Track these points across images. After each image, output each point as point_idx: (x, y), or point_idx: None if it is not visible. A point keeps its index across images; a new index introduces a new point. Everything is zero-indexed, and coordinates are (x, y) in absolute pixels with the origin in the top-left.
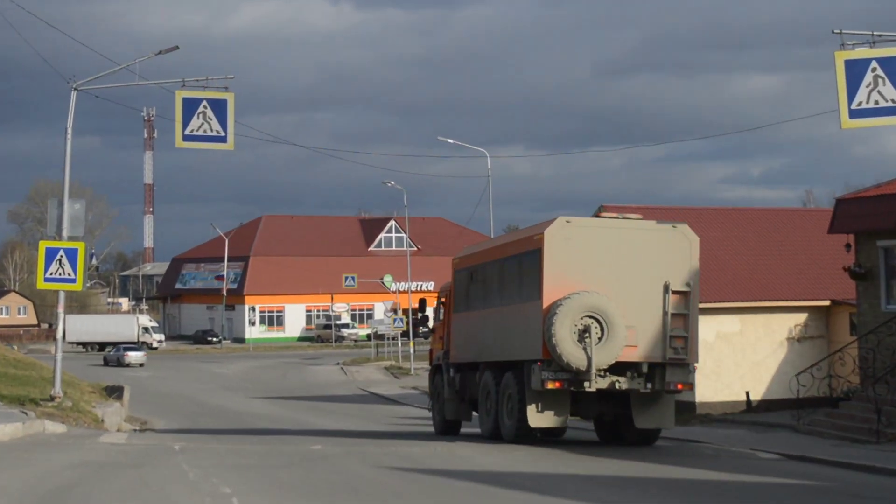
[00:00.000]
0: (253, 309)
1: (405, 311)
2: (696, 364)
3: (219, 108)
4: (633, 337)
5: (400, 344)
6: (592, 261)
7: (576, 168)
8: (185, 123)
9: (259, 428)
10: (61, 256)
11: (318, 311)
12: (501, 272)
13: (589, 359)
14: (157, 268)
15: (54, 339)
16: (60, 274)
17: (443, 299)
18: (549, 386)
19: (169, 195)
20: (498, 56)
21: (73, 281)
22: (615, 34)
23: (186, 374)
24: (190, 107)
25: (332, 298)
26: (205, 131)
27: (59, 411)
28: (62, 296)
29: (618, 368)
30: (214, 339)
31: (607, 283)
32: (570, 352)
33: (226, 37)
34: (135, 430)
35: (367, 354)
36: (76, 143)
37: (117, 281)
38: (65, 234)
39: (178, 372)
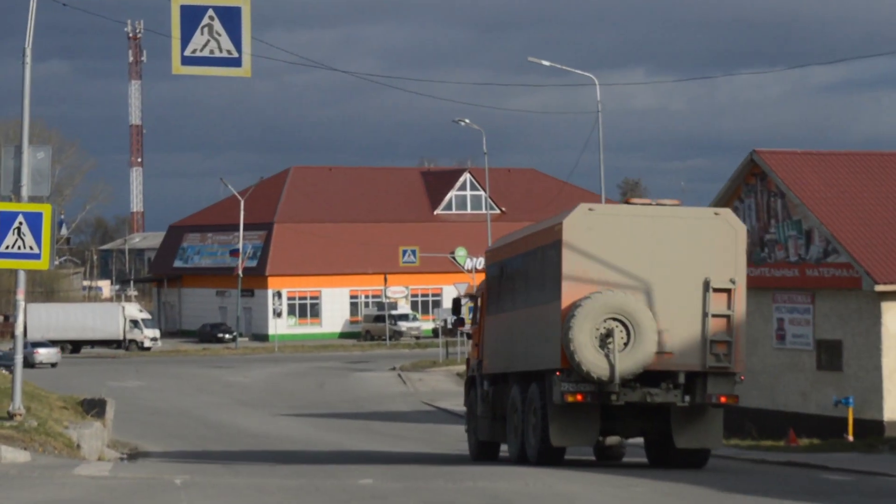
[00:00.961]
0: (278, 294)
1: None
2: (742, 375)
3: (230, 19)
4: (668, 342)
5: None
6: (619, 254)
7: (718, 99)
8: (185, 41)
9: (287, 453)
10: (20, 224)
11: (367, 297)
12: (525, 268)
13: (612, 367)
14: (149, 239)
15: (12, 335)
16: (20, 248)
17: (479, 299)
18: (570, 399)
19: (163, 141)
20: None
21: (38, 257)
22: None
23: (189, 383)
24: (191, 18)
25: (385, 280)
26: (211, 51)
27: (19, 433)
28: (22, 277)
29: (651, 378)
30: (227, 337)
31: (636, 280)
32: (591, 359)
33: None
34: (122, 459)
35: (432, 356)
36: (38, 70)
37: (95, 257)
38: (24, 193)
39: (179, 380)
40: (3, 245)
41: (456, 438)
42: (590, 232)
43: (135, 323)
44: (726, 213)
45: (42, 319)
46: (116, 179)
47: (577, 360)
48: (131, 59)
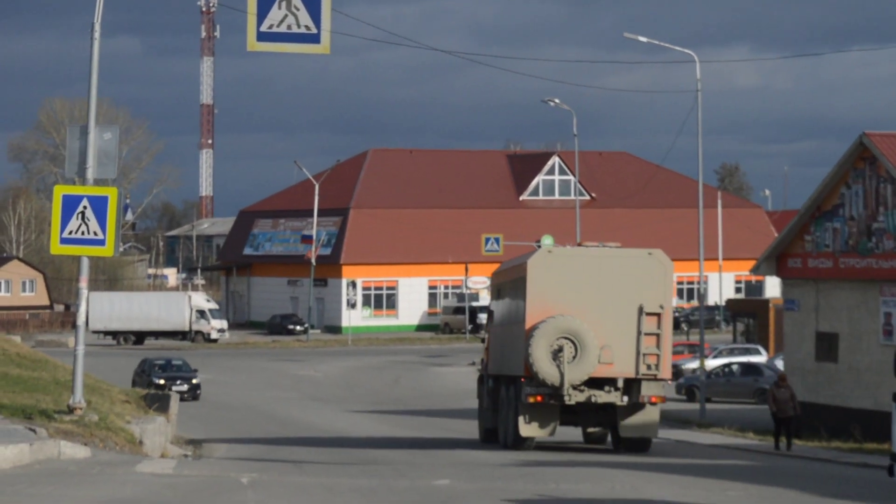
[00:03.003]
0: (353, 284)
1: None
2: (669, 380)
3: None
4: (609, 355)
5: None
6: (572, 287)
7: (827, 78)
8: (262, 16)
9: (359, 452)
10: (85, 208)
11: (447, 287)
12: (508, 292)
13: (562, 375)
14: (219, 225)
15: (73, 326)
16: (84, 233)
17: (489, 308)
18: (531, 400)
19: (235, 122)
20: None
21: (102, 243)
22: None
23: (258, 377)
24: None
25: (466, 270)
26: (289, 27)
27: (80, 428)
28: (85, 265)
29: (597, 383)
30: (298, 328)
31: (585, 306)
32: (546, 369)
33: None
34: (185, 456)
35: None
36: (106, 47)
37: (162, 244)
38: (90, 175)
39: (247, 374)
40: (67, 230)
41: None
42: (548, 270)
43: (201, 313)
44: (657, 252)
45: (105, 309)
46: (186, 162)
47: (535, 369)
48: (204, 34)
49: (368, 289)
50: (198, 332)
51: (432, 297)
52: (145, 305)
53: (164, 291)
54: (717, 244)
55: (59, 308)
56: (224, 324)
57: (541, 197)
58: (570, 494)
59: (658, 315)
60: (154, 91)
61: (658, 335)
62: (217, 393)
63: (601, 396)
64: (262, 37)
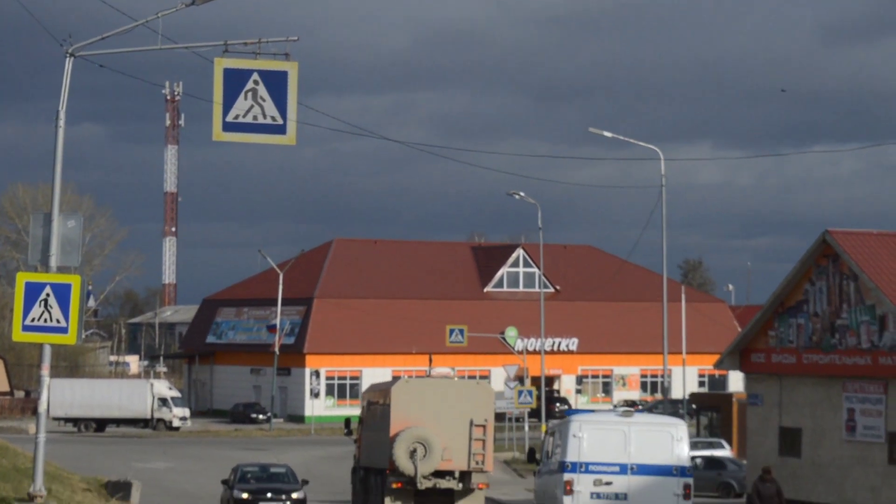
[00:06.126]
0: (317, 374)
1: (536, 381)
2: (490, 471)
3: (276, 84)
4: (449, 454)
5: (527, 428)
6: (423, 406)
7: (789, 175)
8: (228, 106)
9: None
10: (48, 295)
11: (411, 378)
12: (376, 407)
13: (415, 468)
14: (181, 313)
15: (34, 412)
16: (46, 321)
17: (361, 416)
18: (394, 486)
19: (199, 210)
20: (677, 13)
21: (65, 331)
22: None
23: (220, 466)
24: (235, 82)
25: (430, 361)
26: (255, 117)
27: None
28: (47, 352)
29: (439, 474)
30: (261, 417)
31: (432, 420)
32: (404, 464)
33: None
34: None
35: None
36: (71, 133)
37: (124, 331)
38: (53, 263)
39: (209, 462)
40: (29, 318)
41: None
42: (407, 393)
43: (163, 401)
44: (483, 383)
45: (66, 396)
46: (149, 249)
47: (396, 464)
48: (168, 122)
49: (332, 378)
50: (159, 420)
51: None
52: (107, 392)
53: (126, 379)
54: (681, 338)
55: (20, 394)
56: (186, 412)
57: (505, 289)
58: None
59: (483, 426)
60: (118, 178)
61: (483, 440)
62: (179, 482)
63: (443, 483)
64: (227, 127)
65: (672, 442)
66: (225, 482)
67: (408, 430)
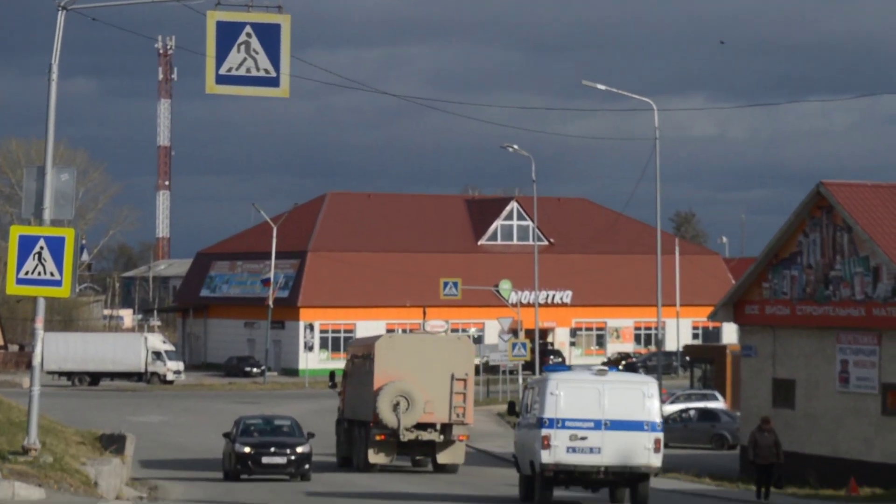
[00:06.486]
0: (311, 327)
1: (530, 334)
2: (471, 424)
3: (268, 36)
4: (431, 407)
5: (521, 380)
6: (405, 361)
7: (782, 127)
8: (221, 59)
9: (319, 496)
10: (41, 249)
11: (405, 331)
12: (361, 362)
13: (399, 421)
14: (175, 267)
15: (28, 366)
16: (40, 274)
17: (345, 369)
18: (378, 438)
19: (193, 164)
20: None
21: (59, 284)
22: None
23: (214, 419)
24: (227, 34)
25: (424, 313)
26: (248, 70)
27: (34, 469)
28: (41, 305)
29: (421, 426)
30: (255, 371)
31: (415, 374)
32: (388, 417)
33: None
34: (141, 498)
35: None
36: (63, 88)
37: (118, 285)
38: (46, 216)
39: (203, 416)
40: (23, 271)
41: (499, 479)
42: (390, 348)
43: (157, 355)
44: (464, 337)
45: (60, 350)
46: (143, 203)
47: (380, 417)
48: (161, 76)
49: (326, 331)
50: (153, 374)
51: None
52: (101, 346)
53: (120, 333)
54: (675, 290)
55: (14, 348)
56: (180, 365)
57: (499, 242)
58: None
59: (464, 380)
60: (111, 132)
61: (464, 393)
62: (173, 435)
63: (425, 435)
64: (220, 80)
65: (643, 399)
66: (227, 435)
67: (391, 384)
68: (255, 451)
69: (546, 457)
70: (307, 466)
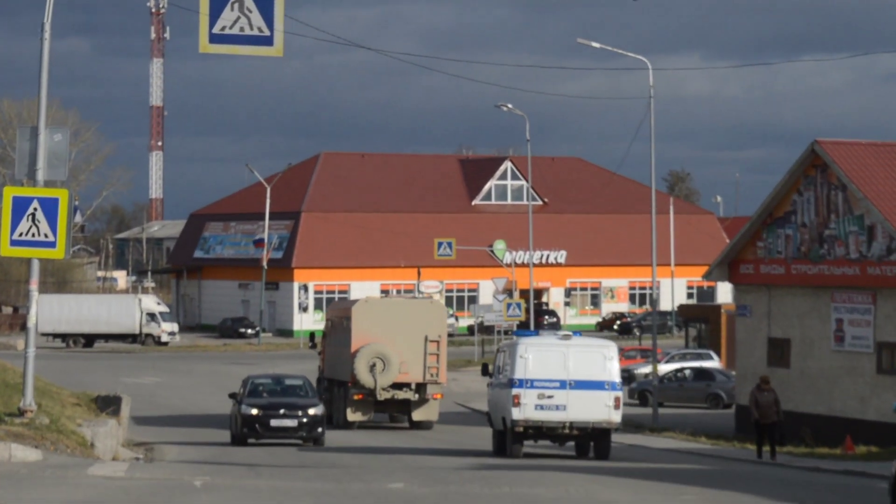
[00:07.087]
0: (305, 288)
1: (524, 294)
2: (444, 383)
3: None
4: (406, 367)
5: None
6: (381, 323)
7: (776, 86)
8: (214, 17)
9: (312, 453)
10: (35, 210)
11: (400, 291)
12: (339, 325)
13: (375, 381)
14: (169, 228)
15: (22, 328)
16: (34, 235)
17: (325, 331)
18: (356, 397)
19: (186, 124)
20: None
21: (53, 245)
22: None
23: (209, 380)
24: None
25: (418, 273)
26: (241, 29)
27: (31, 431)
28: (36, 267)
29: (397, 386)
30: (249, 332)
31: (390, 336)
32: (365, 378)
33: None
34: (137, 459)
35: (467, 355)
36: (55, 47)
37: (111, 246)
38: (40, 177)
39: (198, 378)
40: (17, 232)
41: (475, 437)
42: (367, 312)
43: (152, 316)
44: (436, 300)
45: (53, 311)
46: (135, 164)
47: (358, 378)
48: (153, 35)
49: (320, 292)
50: (148, 335)
51: None
52: (95, 308)
53: (114, 294)
54: (670, 250)
55: (7, 310)
56: (174, 327)
57: (493, 202)
58: (526, 498)
59: (437, 341)
60: (104, 92)
61: (437, 354)
62: (168, 396)
63: (401, 395)
64: (214, 38)
65: (604, 361)
66: (233, 396)
67: (368, 346)
68: (263, 413)
69: (517, 413)
70: (320, 430)
